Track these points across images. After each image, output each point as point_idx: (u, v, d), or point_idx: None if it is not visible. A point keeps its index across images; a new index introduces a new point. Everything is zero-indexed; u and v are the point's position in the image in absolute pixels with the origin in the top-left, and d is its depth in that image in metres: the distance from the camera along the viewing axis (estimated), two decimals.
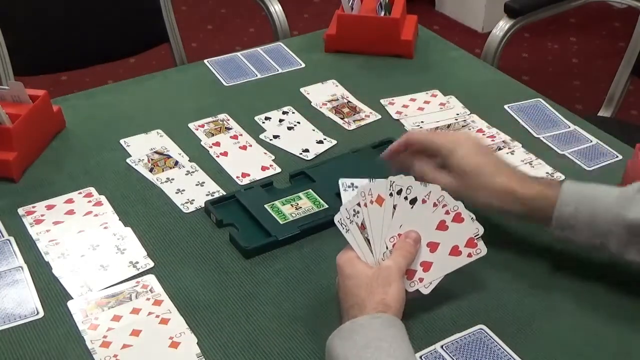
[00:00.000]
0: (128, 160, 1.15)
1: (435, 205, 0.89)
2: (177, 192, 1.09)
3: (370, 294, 0.82)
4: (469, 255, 0.88)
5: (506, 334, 0.86)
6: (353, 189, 1.07)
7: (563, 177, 1.12)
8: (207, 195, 1.08)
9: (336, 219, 0.89)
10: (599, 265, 0.97)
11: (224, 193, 1.08)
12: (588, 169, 1.14)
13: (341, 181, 1.08)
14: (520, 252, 0.99)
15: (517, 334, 0.87)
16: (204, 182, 1.11)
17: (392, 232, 0.88)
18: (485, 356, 0.84)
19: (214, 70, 1.41)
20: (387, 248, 0.88)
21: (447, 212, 0.89)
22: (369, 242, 0.88)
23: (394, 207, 0.89)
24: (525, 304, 0.92)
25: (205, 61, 1.44)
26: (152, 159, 1.15)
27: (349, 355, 0.77)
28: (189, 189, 1.10)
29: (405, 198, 0.89)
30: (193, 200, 1.08)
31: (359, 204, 0.89)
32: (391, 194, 0.89)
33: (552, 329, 0.88)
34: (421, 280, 0.88)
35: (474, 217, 0.89)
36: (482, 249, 0.88)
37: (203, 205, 1.06)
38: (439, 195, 0.89)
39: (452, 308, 0.90)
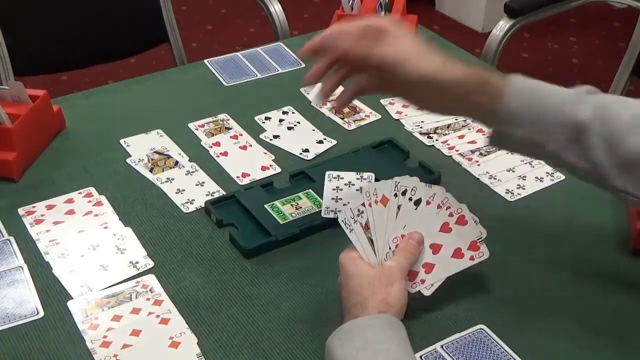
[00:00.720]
0: (128, 160, 1.15)
1: (439, 207, 0.89)
2: (177, 192, 1.09)
3: (373, 293, 0.82)
4: (472, 258, 0.88)
5: (506, 334, 0.86)
6: (338, 180, 1.08)
7: (563, 177, 1.12)
8: (207, 195, 1.08)
9: (340, 218, 0.89)
10: (599, 265, 0.97)
11: (224, 193, 1.08)
12: None
13: (327, 173, 1.09)
14: (520, 252, 0.99)
15: (517, 334, 0.87)
16: (204, 182, 1.11)
17: (395, 233, 0.88)
18: (485, 356, 0.84)
19: (214, 70, 1.41)
20: (390, 248, 0.88)
21: (450, 214, 0.89)
22: (372, 242, 0.88)
23: (398, 207, 0.89)
24: (525, 304, 0.92)
25: (205, 61, 1.44)
26: (152, 159, 1.15)
27: (347, 355, 0.77)
28: (189, 189, 1.10)
29: (410, 199, 0.89)
30: (193, 200, 1.08)
31: (363, 204, 0.89)
32: (396, 195, 0.89)
33: (551, 328, 0.88)
34: (423, 281, 0.88)
35: (478, 220, 0.89)
36: (484, 253, 0.88)
37: (203, 205, 1.06)
38: (444, 197, 0.89)
39: (452, 308, 0.90)
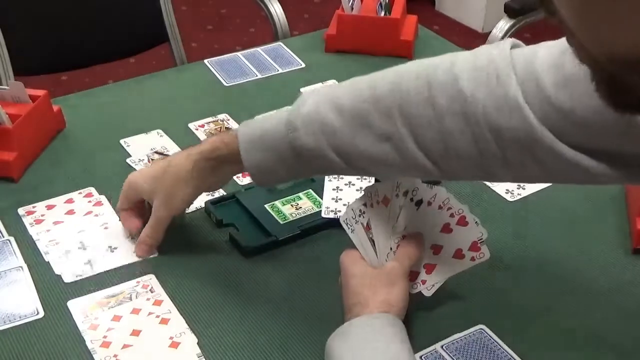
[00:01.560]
0: (128, 160, 1.15)
1: (440, 207, 0.89)
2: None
3: (374, 293, 0.82)
4: (472, 259, 0.88)
5: (506, 334, 0.86)
6: (338, 180, 1.08)
7: None
8: (207, 195, 1.08)
9: (341, 218, 0.89)
10: (599, 265, 0.97)
11: (224, 193, 1.08)
12: None
13: None
14: (520, 252, 0.99)
15: (517, 334, 0.87)
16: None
17: (397, 233, 0.88)
18: (485, 356, 0.84)
19: (214, 70, 1.41)
20: (391, 249, 0.88)
21: (451, 215, 0.89)
22: (374, 243, 0.88)
23: (400, 208, 0.89)
24: (525, 304, 0.92)
25: (205, 61, 1.44)
26: (152, 159, 1.15)
27: (346, 356, 0.77)
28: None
29: (411, 199, 0.89)
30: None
31: (365, 204, 0.89)
32: (397, 195, 0.89)
33: (552, 329, 0.88)
34: (424, 282, 0.88)
35: (479, 221, 0.89)
36: (485, 253, 0.88)
37: (203, 205, 1.06)
38: (445, 197, 0.89)
39: (452, 308, 0.90)
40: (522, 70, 0.74)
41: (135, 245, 0.98)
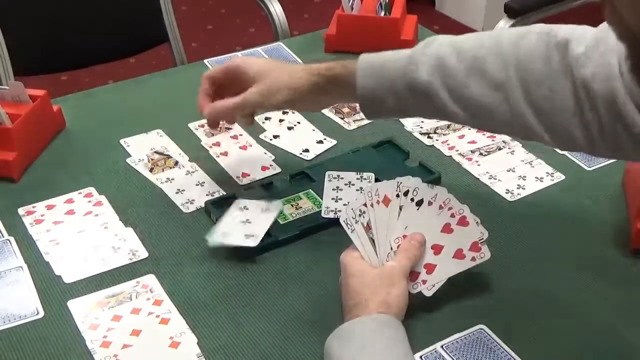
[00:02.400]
0: (128, 160, 1.15)
1: (441, 207, 0.89)
2: (177, 192, 1.09)
3: (374, 293, 0.82)
4: (473, 259, 0.88)
5: (506, 334, 0.86)
6: (338, 180, 1.08)
7: (563, 177, 1.12)
8: (207, 195, 1.08)
9: (342, 218, 0.89)
10: (599, 265, 0.97)
11: (224, 193, 1.08)
12: (588, 169, 1.14)
13: (327, 173, 1.09)
14: (520, 252, 0.99)
15: (517, 334, 0.87)
16: (203, 182, 1.11)
17: (397, 233, 0.88)
18: (485, 356, 0.84)
19: None
20: (391, 249, 0.88)
21: (452, 215, 0.89)
22: (374, 243, 0.88)
23: (400, 208, 0.89)
24: (525, 304, 0.92)
25: (205, 61, 1.44)
26: (152, 159, 1.15)
27: (344, 356, 0.77)
28: (189, 189, 1.10)
29: (412, 199, 0.89)
30: (193, 200, 1.08)
31: (365, 204, 0.89)
32: (398, 195, 0.89)
33: (551, 328, 0.88)
34: (424, 282, 0.88)
35: (479, 221, 0.89)
36: (485, 254, 0.88)
37: (203, 205, 1.06)
38: (445, 197, 0.89)
39: (452, 308, 0.90)
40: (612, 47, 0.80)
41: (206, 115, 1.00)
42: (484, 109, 0.85)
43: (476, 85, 0.85)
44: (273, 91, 0.96)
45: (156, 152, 1.17)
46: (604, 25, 0.82)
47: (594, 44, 0.82)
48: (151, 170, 1.13)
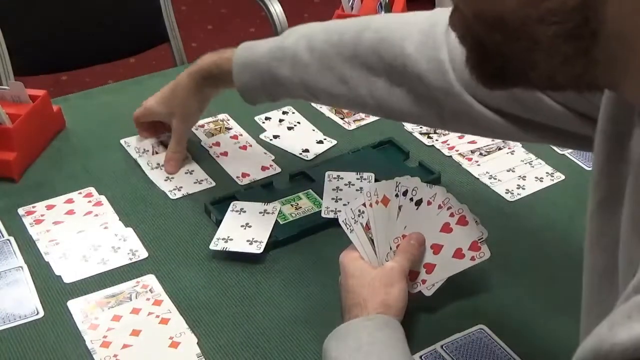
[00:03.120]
0: (138, 160, 1.15)
1: (440, 207, 0.89)
2: (175, 191, 1.09)
3: (373, 294, 0.82)
4: (472, 258, 0.88)
5: (506, 334, 0.86)
6: (338, 180, 1.08)
7: (563, 177, 1.12)
8: (206, 193, 1.08)
9: (340, 218, 0.89)
10: None
11: (224, 193, 1.08)
12: (588, 168, 1.14)
13: (327, 173, 1.09)
14: (520, 252, 0.99)
15: (517, 334, 0.87)
16: (202, 181, 1.11)
17: (396, 233, 0.88)
18: (485, 356, 0.84)
19: None
20: (390, 249, 0.88)
21: (451, 215, 0.89)
22: (373, 243, 0.88)
23: (399, 208, 0.89)
24: (525, 304, 0.92)
25: None
26: (157, 152, 1.17)
27: (342, 357, 0.77)
28: (189, 189, 1.10)
29: (411, 199, 0.89)
30: (193, 200, 1.07)
31: (364, 204, 0.89)
32: (397, 195, 0.89)
33: (552, 329, 0.88)
34: (424, 282, 0.88)
35: (479, 221, 0.89)
36: (485, 253, 0.88)
37: (198, 204, 1.06)
38: (444, 197, 0.89)
39: (452, 308, 0.90)
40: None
41: (164, 165, 1.13)
42: (335, 97, 0.96)
43: (325, 79, 0.94)
44: (187, 110, 1.12)
45: (161, 142, 1.18)
46: (431, 18, 0.89)
47: (424, 41, 0.87)
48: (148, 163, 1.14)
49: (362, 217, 0.89)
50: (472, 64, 0.52)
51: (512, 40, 0.48)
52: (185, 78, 1.09)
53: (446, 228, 0.89)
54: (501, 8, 0.47)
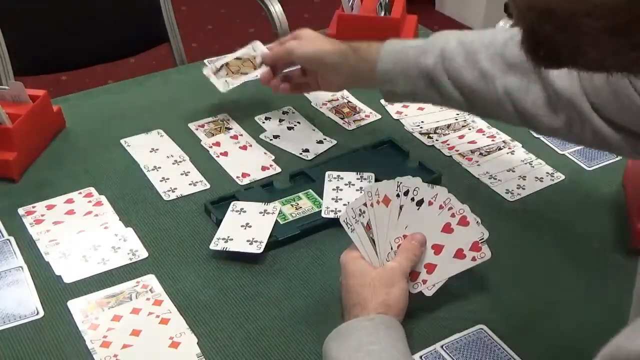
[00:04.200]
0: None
1: (441, 207, 0.89)
2: (169, 193, 1.09)
3: (373, 294, 0.82)
4: (473, 259, 0.88)
5: (506, 334, 0.86)
6: (338, 180, 1.08)
7: (563, 177, 1.12)
8: (204, 193, 1.08)
9: (341, 218, 0.89)
10: (598, 265, 0.97)
11: (224, 193, 1.08)
12: (588, 168, 1.14)
13: (327, 173, 1.09)
14: (520, 252, 0.99)
15: (517, 334, 0.87)
16: (202, 181, 1.11)
17: (397, 233, 0.88)
18: (485, 356, 0.84)
19: None
20: (391, 249, 0.88)
21: (452, 215, 0.89)
22: (374, 243, 0.88)
23: (400, 208, 0.89)
24: (525, 304, 0.92)
25: (206, 61, 1.43)
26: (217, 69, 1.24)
27: (342, 357, 0.77)
28: (189, 189, 1.10)
29: (412, 199, 0.89)
30: (192, 200, 1.07)
31: (365, 204, 0.89)
32: (398, 195, 0.89)
33: (552, 329, 0.88)
34: (424, 282, 0.88)
35: (480, 221, 0.89)
36: (486, 253, 0.88)
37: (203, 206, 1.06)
38: (446, 197, 0.89)
39: (452, 308, 0.90)
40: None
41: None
42: (476, 93, 0.99)
43: (468, 72, 0.98)
44: (305, 44, 1.13)
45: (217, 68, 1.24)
46: None
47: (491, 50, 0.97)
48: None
49: (363, 217, 0.88)
50: (527, 48, 0.55)
51: (560, 30, 0.51)
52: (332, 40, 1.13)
53: (447, 228, 0.89)
54: (550, 1, 0.51)
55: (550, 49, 0.54)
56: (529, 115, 0.95)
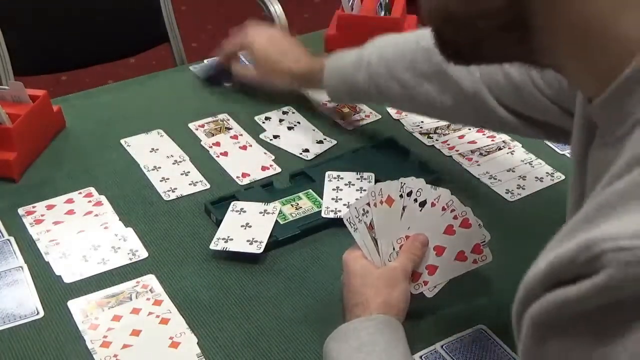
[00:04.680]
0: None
1: (444, 209, 0.89)
2: (169, 193, 1.09)
3: (375, 294, 0.82)
4: (475, 261, 0.88)
5: (506, 334, 0.86)
6: (338, 180, 1.08)
7: (563, 177, 1.12)
8: (206, 194, 1.08)
9: (344, 217, 0.89)
10: None
11: (224, 193, 1.08)
12: None
13: (327, 173, 1.09)
14: (520, 253, 0.99)
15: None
16: (202, 181, 1.11)
17: (400, 234, 0.88)
18: (485, 356, 0.84)
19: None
20: (394, 249, 0.88)
21: (455, 217, 0.89)
22: (377, 243, 0.88)
23: (404, 208, 0.89)
24: None
25: (205, 61, 1.44)
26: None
27: (343, 357, 0.77)
28: (189, 189, 1.10)
29: (415, 200, 0.89)
30: (192, 200, 1.07)
31: (368, 204, 0.89)
32: (401, 196, 0.89)
33: None
34: (426, 283, 0.88)
35: (482, 224, 0.89)
36: (487, 256, 0.88)
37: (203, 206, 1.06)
38: (449, 199, 0.89)
39: (452, 308, 0.90)
40: None
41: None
42: (404, 103, 1.08)
43: (393, 85, 1.06)
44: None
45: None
46: None
47: None
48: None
49: (366, 217, 0.89)
50: (438, 47, 0.63)
51: (461, 30, 0.60)
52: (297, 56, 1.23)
53: (449, 230, 0.89)
54: (449, 6, 0.59)
55: (455, 46, 0.62)
56: (447, 114, 1.06)
